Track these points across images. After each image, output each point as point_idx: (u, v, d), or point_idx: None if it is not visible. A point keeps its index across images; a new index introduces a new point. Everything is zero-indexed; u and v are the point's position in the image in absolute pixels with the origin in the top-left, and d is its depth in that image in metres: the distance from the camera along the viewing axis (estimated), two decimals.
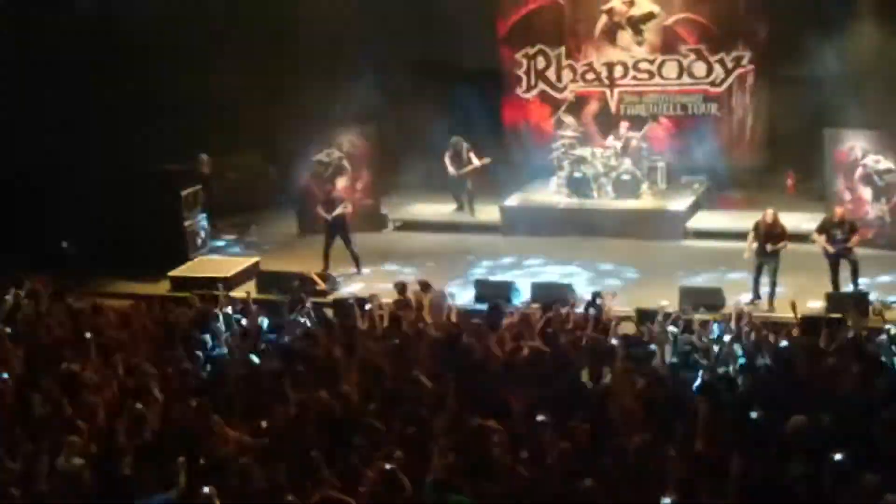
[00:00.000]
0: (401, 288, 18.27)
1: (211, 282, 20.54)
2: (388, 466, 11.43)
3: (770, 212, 19.16)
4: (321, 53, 24.64)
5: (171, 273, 21.40)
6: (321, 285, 20.34)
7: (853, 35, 22.88)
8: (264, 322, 17.31)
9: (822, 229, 19.05)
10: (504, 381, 14.04)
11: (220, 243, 24.03)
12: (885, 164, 20.96)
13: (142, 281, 21.07)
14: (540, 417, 12.45)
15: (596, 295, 17.69)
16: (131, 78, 24.29)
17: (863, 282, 19.16)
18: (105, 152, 23.17)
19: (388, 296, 18.33)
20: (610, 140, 24.13)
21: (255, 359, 15.42)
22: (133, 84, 24.26)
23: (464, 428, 12.41)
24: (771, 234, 18.95)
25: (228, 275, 21.07)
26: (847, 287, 18.76)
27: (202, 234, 23.23)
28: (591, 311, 17.08)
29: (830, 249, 18.85)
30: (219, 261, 22.41)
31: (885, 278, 19.68)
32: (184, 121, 24.34)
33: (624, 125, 24.35)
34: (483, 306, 18.29)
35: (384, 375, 14.37)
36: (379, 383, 14.13)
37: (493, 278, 20.58)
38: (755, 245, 18.91)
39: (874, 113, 21.86)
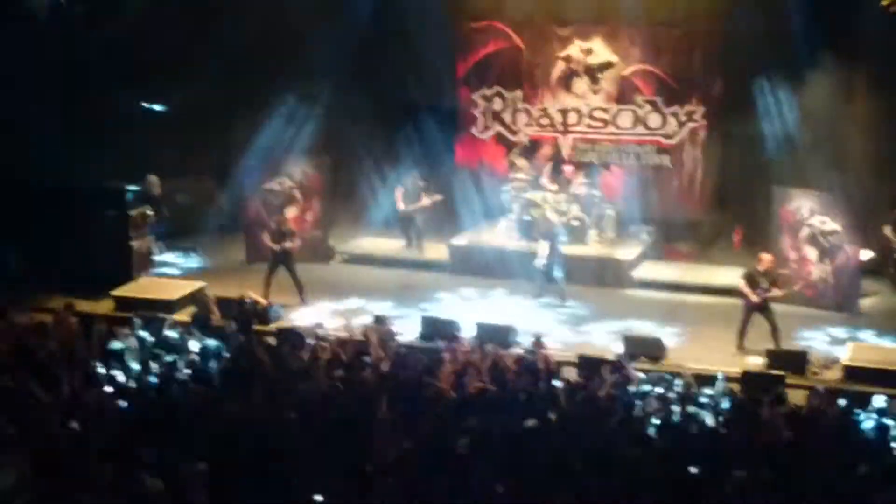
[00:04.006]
0: (378, 320, 18.47)
1: (154, 304, 20.56)
2: (318, 498, 11.31)
3: None
4: (277, 82, 24.65)
5: (115, 293, 21.33)
6: (263, 303, 20.40)
7: (805, 96, 23.21)
8: (195, 345, 17.34)
9: (749, 278, 19.29)
10: (449, 418, 14.07)
11: (167, 264, 23.98)
12: (830, 225, 21.15)
13: (85, 299, 20.90)
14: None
15: (538, 339, 17.79)
16: (85, 96, 24.22)
17: (804, 340, 19.39)
18: (55, 169, 23.08)
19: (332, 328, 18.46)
20: (543, 180, 24.27)
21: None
22: (87, 102, 24.19)
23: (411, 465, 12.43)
24: None
25: (173, 298, 21.05)
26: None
27: (151, 254, 23.24)
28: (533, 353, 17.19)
29: (755, 299, 19.08)
30: (164, 282, 22.33)
31: (826, 337, 19.89)
32: (136, 141, 24.37)
33: (568, 169, 24.50)
34: (428, 343, 18.40)
35: (328, 405, 14.38)
36: (322, 412, 14.12)
37: (438, 316, 20.61)
38: None
39: (823, 173, 22.21)
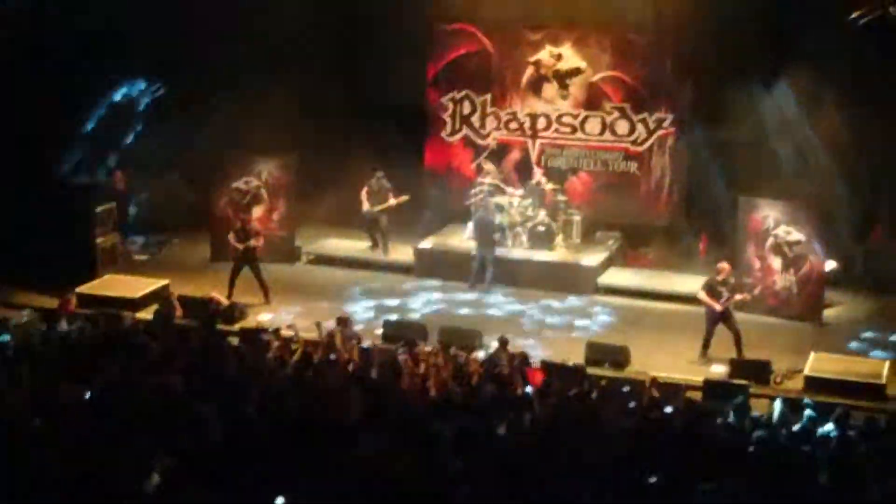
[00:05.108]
0: (341, 322, 18.34)
1: (118, 301, 20.49)
2: (279, 501, 11.21)
3: None
4: (246, 79, 24.52)
5: (79, 289, 21.19)
6: (224, 303, 20.39)
7: (773, 106, 23.29)
8: None
9: (709, 289, 19.31)
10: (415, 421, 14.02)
11: (131, 261, 23.89)
12: (795, 235, 21.21)
13: (49, 294, 20.73)
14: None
15: (504, 341, 17.74)
16: (54, 89, 24.03)
17: (768, 351, 19.40)
18: (22, 163, 22.91)
19: (295, 328, 18.37)
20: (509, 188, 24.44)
21: None
22: (56, 96, 24.00)
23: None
24: None
25: (136, 296, 20.97)
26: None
27: (116, 251, 23.15)
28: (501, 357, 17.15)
29: (718, 308, 19.11)
30: (128, 280, 22.20)
31: (788, 347, 19.87)
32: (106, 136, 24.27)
33: (538, 172, 24.54)
34: (391, 346, 18.35)
35: (292, 406, 14.30)
36: (286, 413, 14.04)
37: (401, 319, 20.58)
38: None
39: (789, 183, 22.30)
